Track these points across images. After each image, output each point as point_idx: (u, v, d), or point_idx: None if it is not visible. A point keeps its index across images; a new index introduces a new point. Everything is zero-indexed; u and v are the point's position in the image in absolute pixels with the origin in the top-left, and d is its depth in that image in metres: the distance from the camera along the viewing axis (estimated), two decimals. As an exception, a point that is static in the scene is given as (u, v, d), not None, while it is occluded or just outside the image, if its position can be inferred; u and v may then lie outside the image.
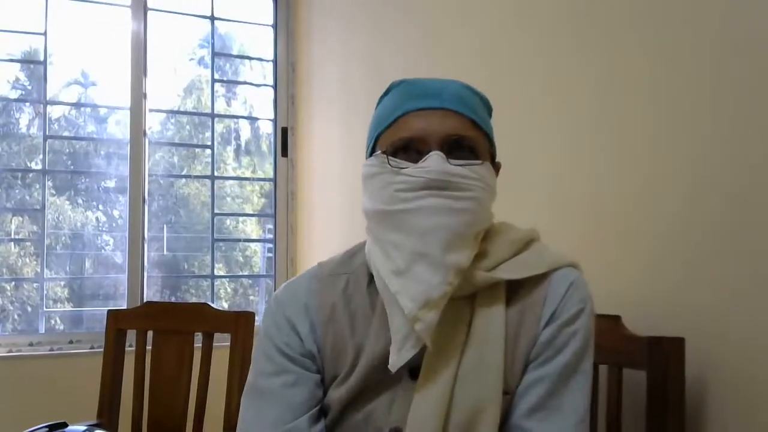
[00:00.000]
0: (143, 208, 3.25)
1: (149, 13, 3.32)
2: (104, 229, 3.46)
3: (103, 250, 3.43)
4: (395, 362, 1.10)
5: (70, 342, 3.09)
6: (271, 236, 3.62)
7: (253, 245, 3.79)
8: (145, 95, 3.27)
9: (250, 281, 3.74)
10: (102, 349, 2.37)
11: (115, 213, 3.45)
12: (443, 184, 1.10)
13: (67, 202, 3.38)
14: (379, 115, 1.22)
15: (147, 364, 2.30)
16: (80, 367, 2.89)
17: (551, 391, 1.12)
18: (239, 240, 3.71)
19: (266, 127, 3.69)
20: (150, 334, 2.34)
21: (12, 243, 3.20)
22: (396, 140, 1.15)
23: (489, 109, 1.26)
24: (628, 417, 1.50)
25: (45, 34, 3.17)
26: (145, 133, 3.27)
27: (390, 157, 1.14)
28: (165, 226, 3.52)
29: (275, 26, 3.59)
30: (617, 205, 1.66)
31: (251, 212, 3.72)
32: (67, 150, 3.34)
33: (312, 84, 3.41)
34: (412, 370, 1.13)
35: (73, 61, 3.36)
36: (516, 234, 1.22)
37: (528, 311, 1.15)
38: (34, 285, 3.19)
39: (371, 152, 1.21)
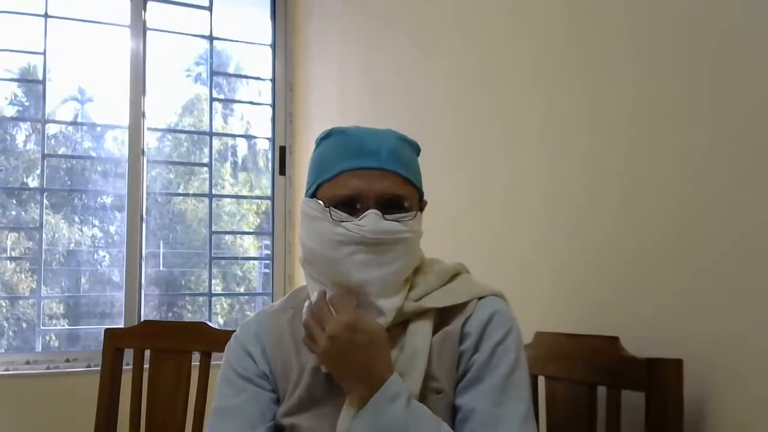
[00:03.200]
0: (140, 225, 3.25)
1: (148, 32, 3.33)
2: (101, 245, 3.46)
3: (99, 267, 3.43)
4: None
5: (67, 360, 3.08)
6: (268, 252, 3.62)
7: (250, 262, 3.80)
8: (143, 114, 3.28)
9: (246, 298, 3.74)
10: (99, 368, 2.35)
11: (112, 229, 3.45)
12: (377, 241, 1.24)
13: (63, 220, 3.38)
14: (320, 163, 1.34)
15: (144, 382, 2.29)
16: (77, 385, 2.88)
17: (495, 402, 1.24)
18: (237, 258, 3.72)
19: (263, 144, 3.71)
20: (147, 352, 2.33)
21: (8, 260, 3.20)
22: (336, 196, 1.28)
23: (418, 152, 1.39)
24: (627, 438, 1.50)
25: (44, 53, 3.18)
26: (143, 152, 3.28)
27: (332, 210, 1.26)
28: (162, 242, 3.53)
29: (273, 46, 3.61)
30: (616, 225, 1.67)
31: (248, 230, 3.73)
32: (65, 167, 3.35)
33: (310, 103, 3.43)
34: None
35: (72, 79, 3.40)
36: (443, 267, 1.39)
37: (451, 332, 1.29)
38: (31, 302, 3.19)
39: (312, 194, 1.33)
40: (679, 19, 1.50)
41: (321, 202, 1.29)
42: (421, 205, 1.36)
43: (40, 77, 3.19)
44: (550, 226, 1.87)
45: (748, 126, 1.34)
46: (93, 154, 3.42)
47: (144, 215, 3.27)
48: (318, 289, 1.29)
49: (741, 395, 1.34)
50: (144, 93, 3.29)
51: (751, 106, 1.33)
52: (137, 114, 3.26)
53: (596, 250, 1.72)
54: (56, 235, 3.36)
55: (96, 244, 3.44)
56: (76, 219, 3.41)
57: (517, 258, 2.00)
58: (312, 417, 1.29)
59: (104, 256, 3.47)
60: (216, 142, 3.65)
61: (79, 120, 3.49)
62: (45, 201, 3.22)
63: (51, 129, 3.39)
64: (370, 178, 1.27)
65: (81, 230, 3.42)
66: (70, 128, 3.46)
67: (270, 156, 3.61)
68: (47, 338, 3.26)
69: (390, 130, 1.35)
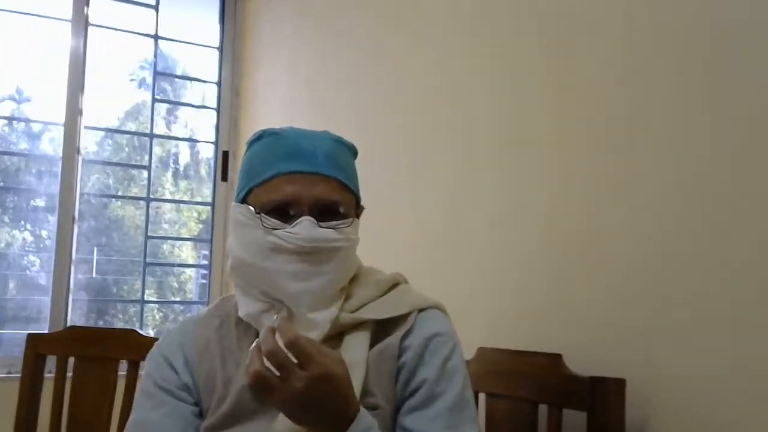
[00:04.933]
0: (72, 226, 3.10)
1: (90, 28, 3.22)
2: (31, 249, 3.31)
3: (28, 272, 3.28)
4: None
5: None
6: (206, 262, 3.52)
7: (187, 271, 3.68)
8: (80, 111, 3.15)
9: (181, 308, 3.62)
10: (20, 375, 2.23)
11: (44, 233, 3.31)
12: (311, 250, 1.17)
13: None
14: (251, 166, 1.26)
15: (67, 392, 2.18)
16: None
17: (449, 425, 1.18)
18: (173, 265, 3.58)
19: (206, 152, 3.60)
20: (72, 360, 2.22)
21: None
22: (268, 201, 1.20)
23: (355, 155, 1.32)
24: (567, 459, 1.46)
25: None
26: (78, 151, 3.14)
27: (263, 216, 1.19)
28: (96, 248, 3.39)
29: (221, 49, 3.53)
30: (558, 243, 1.64)
31: (187, 236, 3.62)
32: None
33: (256, 108, 3.36)
34: None
35: (7, 75, 3.22)
36: (381, 276, 1.32)
37: (390, 345, 1.22)
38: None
39: (242, 199, 1.25)
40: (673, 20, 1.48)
41: (252, 207, 1.21)
42: (357, 211, 1.29)
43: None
44: (496, 239, 1.84)
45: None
46: (27, 153, 3.27)
47: (76, 217, 3.13)
48: (250, 309, 1.23)
49: (683, 416, 1.33)
50: (82, 91, 3.16)
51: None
52: (74, 111, 3.13)
53: (543, 268, 1.69)
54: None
55: (26, 248, 3.29)
56: (6, 220, 3.25)
57: (460, 270, 1.95)
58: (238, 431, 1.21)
59: (35, 261, 3.32)
60: (158, 149, 3.53)
61: (14, 116, 3.33)
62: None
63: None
64: (305, 183, 1.20)
65: (11, 233, 3.26)
66: (6, 128, 3.30)
67: (212, 162, 3.51)
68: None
69: (326, 132, 1.29)
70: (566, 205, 1.63)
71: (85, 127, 3.20)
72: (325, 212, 1.20)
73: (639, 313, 1.44)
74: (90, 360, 2.19)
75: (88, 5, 3.21)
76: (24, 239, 3.29)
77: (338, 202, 1.22)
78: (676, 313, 1.36)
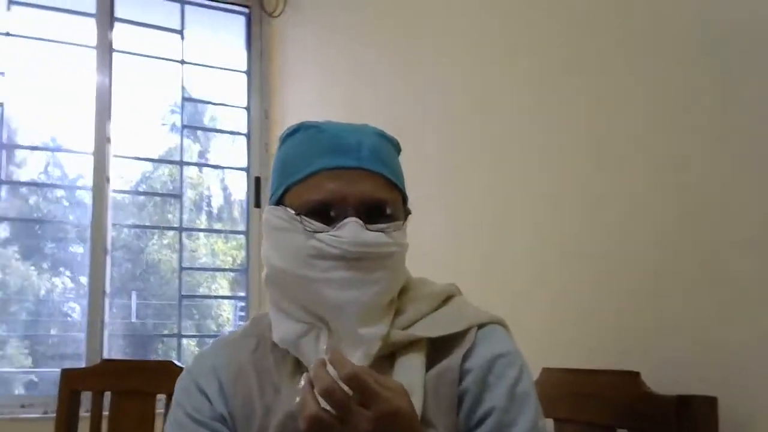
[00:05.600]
0: (104, 258, 3.04)
1: (114, 55, 3.17)
2: (71, 296, 3.22)
3: (69, 318, 3.18)
4: None
5: (22, 406, 2.85)
6: (243, 294, 3.42)
7: (225, 304, 3.57)
8: (108, 139, 3.10)
9: (219, 338, 3.51)
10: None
11: (83, 279, 3.21)
12: (357, 255, 1.04)
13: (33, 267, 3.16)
14: (286, 163, 1.13)
15: (104, 429, 2.08)
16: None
17: None
18: (208, 297, 3.47)
19: (239, 193, 3.48)
20: (108, 395, 2.12)
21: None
22: (308, 201, 1.07)
23: (399, 151, 1.20)
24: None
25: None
26: (108, 179, 3.10)
27: (304, 218, 1.06)
28: (133, 293, 3.32)
29: (248, 72, 3.46)
30: (631, 251, 1.51)
31: (222, 267, 3.52)
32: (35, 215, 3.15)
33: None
34: None
35: (42, 125, 3.18)
36: (433, 288, 1.18)
37: (449, 366, 1.09)
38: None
39: (278, 200, 1.12)
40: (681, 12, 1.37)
41: (290, 209, 1.08)
42: (405, 213, 1.16)
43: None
44: (547, 244, 1.72)
45: None
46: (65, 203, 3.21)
47: (108, 248, 3.07)
48: (286, 332, 1.09)
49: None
50: (109, 119, 3.10)
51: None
52: (101, 141, 3.09)
53: (605, 271, 1.56)
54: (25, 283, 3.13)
55: (66, 295, 3.21)
56: (45, 266, 3.17)
57: (510, 281, 1.83)
58: None
59: (74, 307, 3.23)
60: (191, 192, 3.45)
61: (49, 169, 3.25)
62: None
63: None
64: (350, 180, 1.07)
65: (50, 280, 3.19)
66: (42, 175, 3.23)
67: (245, 188, 3.42)
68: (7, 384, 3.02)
69: (368, 125, 1.16)
70: (645, 209, 1.50)
71: (115, 157, 3.13)
72: (372, 213, 1.07)
73: (729, 323, 1.30)
74: (126, 394, 2.09)
75: (111, 29, 3.17)
76: (64, 285, 3.21)
77: (386, 201, 1.09)
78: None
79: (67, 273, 3.21)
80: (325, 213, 1.06)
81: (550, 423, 1.50)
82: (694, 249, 1.36)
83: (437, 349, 1.10)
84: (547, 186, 1.75)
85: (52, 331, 3.14)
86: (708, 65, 1.35)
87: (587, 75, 1.65)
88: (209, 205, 3.55)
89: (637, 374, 1.33)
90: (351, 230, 1.04)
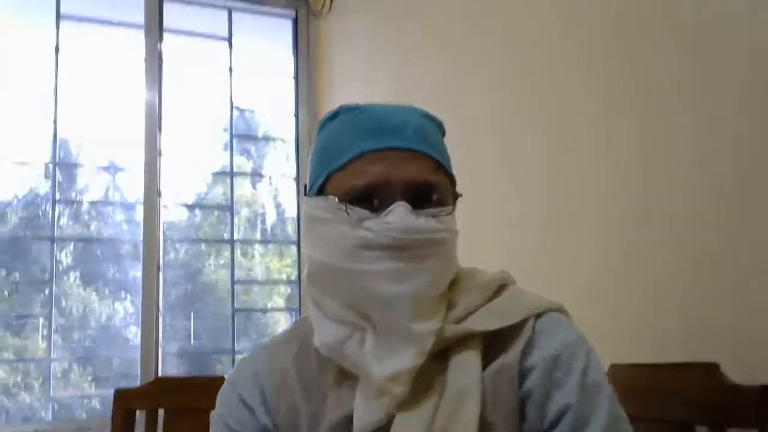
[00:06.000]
0: (157, 274, 3.03)
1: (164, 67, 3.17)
2: (131, 321, 3.20)
3: (131, 343, 3.16)
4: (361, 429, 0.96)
5: (79, 429, 2.83)
6: (296, 306, 3.36)
7: (282, 321, 3.51)
8: (160, 153, 3.10)
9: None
10: (110, 435, 2.11)
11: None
12: (407, 243, 0.95)
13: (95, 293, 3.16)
14: (326, 148, 1.04)
15: (159, 448, 2.04)
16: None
17: None
18: (262, 310, 3.41)
19: (291, 209, 3.43)
20: (162, 414, 2.08)
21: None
22: (351, 188, 0.98)
23: (444, 134, 1.10)
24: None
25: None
26: (160, 193, 3.08)
27: (348, 206, 0.97)
28: (192, 313, 3.30)
29: (296, 78, 3.42)
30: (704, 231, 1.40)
31: (274, 280, 3.47)
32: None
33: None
34: None
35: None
36: (485, 278, 1.07)
37: (508, 364, 0.99)
38: (42, 365, 2.95)
39: (319, 190, 1.03)
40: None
41: (333, 197, 0.99)
42: (454, 197, 1.05)
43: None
44: (611, 235, 1.61)
45: None
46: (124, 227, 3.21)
47: (161, 265, 3.06)
48: (329, 336, 1.00)
49: None
50: (160, 154, 3.10)
51: None
52: (153, 155, 3.08)
53: (671, 259, 1.44)
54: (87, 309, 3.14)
55: (127, 319, 3.20)
56: (106, 292, 3.18)
57: (575, 276, 1.72)
58: None
59: (136, 331, 3.20)
60: (245, 210, 3.43)
61: (108, 191, 3.27)
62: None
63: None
64: (395, 162, 0.98)
65: (112, 305, 3.19)
66: (102, 200, 3.24)
67: (295, 198, 3.37)
68: (58, 406, 3.02)
69: (411, 105, 1.07)
70: (702, 199, 1.39)
71: (165, 206, 3.13)
72: (420, 197, 0.98)
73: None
74: (180, 411, 2.04)
75: (161, 40, 3.17)
76: (126, 310, 3.21)
77: (435, 185, 0.99)
78: None
79: (129, 297, 3.20)
80: (370, 199, 0.97)
81: (620, 423, 1.39)
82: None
83: (492, 345, 1.00)
84: (609, 176, 1.64)
85: (113, 355, 3.12)
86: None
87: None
88: (263, 222, 3.50)
89: (716, 365, 1.22)
90: (399, 215, 0.95)
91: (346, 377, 1.01)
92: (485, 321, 1.00)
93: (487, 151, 2.13)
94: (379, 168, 0.97)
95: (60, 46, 3.08)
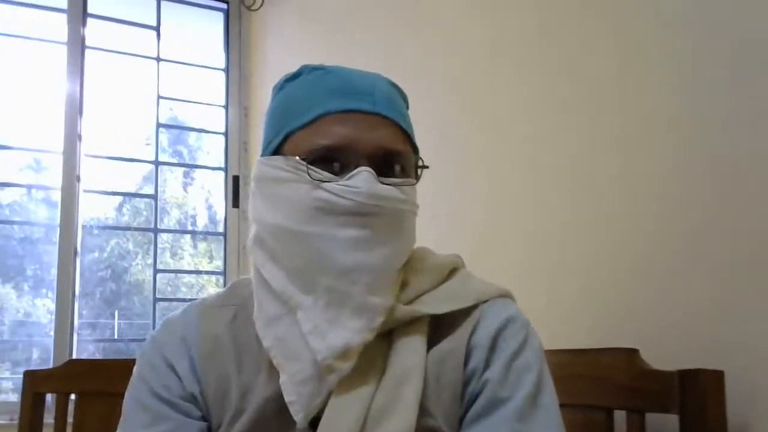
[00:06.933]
0: (73, 259, 2.91)
1: (87, 52, 3.07)
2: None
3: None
4: (303, 413, 0.92)
5: (-14, 414, 2.71)
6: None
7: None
8: (79, 175, 2.98)
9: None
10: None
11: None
12: (371, 210, 0.91)
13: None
14: (287, 107, 1.00)
15: (69, 433, 1.95)
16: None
17: None
18: (183, 300, 3.32)
19: (222, 211, 3.36)
20: (73, 398, 2.00)
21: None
22: (314, 147, 0.94)
23: (407, 105, 1.07)
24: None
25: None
26: (79, 178, 2.98)
27: (310, 167, 0.92)
28: (117, 312, 3.21)
29: (227, 70, 3.36)
30: (625, 222, 1.42)
31: (197, 270, 3.40)
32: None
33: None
34: (313, 419, 0.93)
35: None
36: (437, 261, 1.05)
37: (452, 349, 0.97)
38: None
39: (275, 150, 0.99)
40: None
41: (292, 157, 0.94)
42: (416, 171, 1.01)
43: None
44: (542, 220, 1.63)
45: None
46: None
47: (78, 250, 2.95)
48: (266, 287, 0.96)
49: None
50: (79, 138, 2.98)
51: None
52: (72, 138, 2.97)
53: (597, 250, 1.47)
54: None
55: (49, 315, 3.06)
56: (25, 288, 3.07)
57: (502, 261, 1.73)
58: None
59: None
60: (176, 212, 3.35)
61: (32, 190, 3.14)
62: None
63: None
64: (362, 125, 0.94)
65: (32, 302, 3.07)
66: (25, 197, 3.11)
67: (223, 188, 3.31)
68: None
69: (377, 73, 1.03)
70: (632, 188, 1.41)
71: (85, 191, 3.03)
72: (384, 165, 0.94)
73: (731, 289, 1.20)
74: (93, 396, 1.95)
75: (84, 25, 3.07)
76: (46, 307, 3.08)
77: (401, 154, 0.96)
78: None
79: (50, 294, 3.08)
80: (331, 162, 0.93)
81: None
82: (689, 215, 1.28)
83: (439, 328, 0.99)
84: (545, 164, 1.66)
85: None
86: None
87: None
88: (194, 224, 3.43)
89: (635, 351, 1.24)
90: (364, 180, 0.90)
91: None
92: (435, 304, 0.98)
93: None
94: (344, 130, 0.93)
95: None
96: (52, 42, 3.05)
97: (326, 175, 0.92)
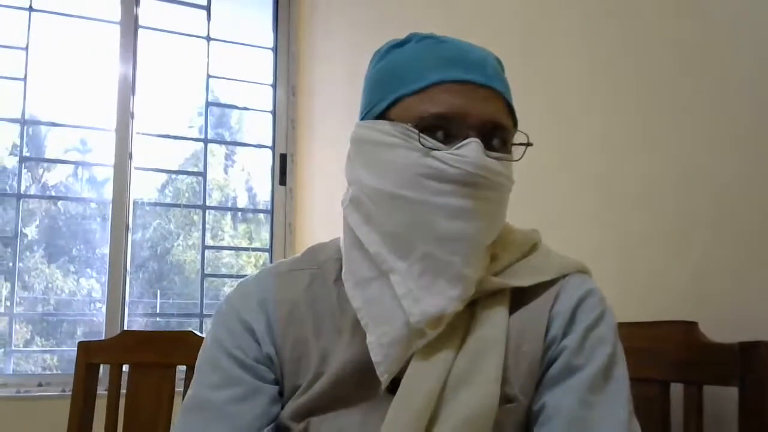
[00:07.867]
0: (126, 235, 2.97)
1: (140, 31, 3.10)
2: (97, 297, 3.16)
3: (95, 319, 3.12)
4: (387, 373, 0.92)
5: (39, 385, 2.78)
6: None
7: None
8: (130, 154, 3.03)
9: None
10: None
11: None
12: (478, 180, 0.91)
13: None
14: (397, 73, 0.98)
15: (122, 403, 1.98)
16: (49, 411, 2.56)
17: (585, 403, 0.91)
18: (230, 276, 3.37)
19: (264, 194, 3.39)
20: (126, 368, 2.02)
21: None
22: (427, 114, 0.93)
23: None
24: (714, 448, 1.20)
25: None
26: (131, 155, 3.02)
27: (422, 134, 0.92)
28: (158, 291, 3.27)
29: (275, 49, 3.38)
30: (704, 194, 1.39)
31: (246, 246, 3.43)
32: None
33: (314, 108, 3.18)
34: (392, 381, 0.93)
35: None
36: (519, 236, 1.06)
37: (533, 319, 0.98)
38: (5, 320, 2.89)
39: (380, 114, 0.98)
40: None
41: (402, 124, 0.93)
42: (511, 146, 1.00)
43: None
44: (609, 199, 1.59)
45: None
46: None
47: (130, 226, 3.00)
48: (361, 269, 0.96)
49: None
50: (132, 117, 3.03)
51: None
52: (125, 117, 3.00)
53: (658, 228, 1.43)
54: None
55: (93, 295, 3.16)
56: (72, 269, 3.13)
57: (569, 239, 1.69)
58: (333, 420, 0.96)
59: (101, 307, 3.16)
60: (217, 194, 3.39)
61: (78, 170, 3.21)
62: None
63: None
64: (475, 97, 0.93)
65: (77, 281, 3.15)
66: (71, 177, 3.19)
67: (270, 165, 3.33)
68: (22, 362, 2.96)
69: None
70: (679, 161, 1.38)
71: (136, 168, 3.09)
72: (489, 138, 0.94)
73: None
74: (145, 367, 1.98)
75: (137, 5, 3.11)
76: (91, 287, 3.15)
77: (506, 128, 0.96)
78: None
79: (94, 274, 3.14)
80: (436, 130, 0.93)
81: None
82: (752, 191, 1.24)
83: (518, 299, 0.99)
84: (610, 144, 1.63)
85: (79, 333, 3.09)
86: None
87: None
88: (234, 205, 3.47)
89: (694, 324, 1.22)
90: (474, 150, 0.90)
91: None
92: (521, 277, 0.99)
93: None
94: (457, 99, 0.93)
95: (33, 4, 2.99)
96: (105, 21, 3.10)
97: (435, 143, 0.92)
